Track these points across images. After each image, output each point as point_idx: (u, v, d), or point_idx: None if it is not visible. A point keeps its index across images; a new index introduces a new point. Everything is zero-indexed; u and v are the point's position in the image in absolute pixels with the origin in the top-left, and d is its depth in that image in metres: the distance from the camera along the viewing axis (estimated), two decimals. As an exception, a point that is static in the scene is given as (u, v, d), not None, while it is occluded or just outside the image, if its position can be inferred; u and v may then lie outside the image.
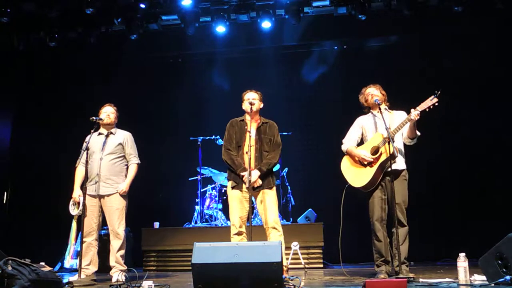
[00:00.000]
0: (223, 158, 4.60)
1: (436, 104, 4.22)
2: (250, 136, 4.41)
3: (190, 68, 8.36)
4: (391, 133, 4.27)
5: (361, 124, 4.66)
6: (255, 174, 4.38)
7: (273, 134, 4.59)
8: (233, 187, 4.50)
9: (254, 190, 4.43)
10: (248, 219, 4.30)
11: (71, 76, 8.20)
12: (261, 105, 4.69)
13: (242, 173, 4.36)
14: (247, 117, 4.60)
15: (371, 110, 4.65)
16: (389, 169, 4.21)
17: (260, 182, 4.42)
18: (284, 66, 8.13)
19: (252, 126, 4.57)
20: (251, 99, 4.55)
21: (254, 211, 5.10)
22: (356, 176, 4.47)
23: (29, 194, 7.95)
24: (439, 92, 4.21)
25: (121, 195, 4.88)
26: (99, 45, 7.48)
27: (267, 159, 4.47)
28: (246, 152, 4.36)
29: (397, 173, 4.37)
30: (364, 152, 4.43)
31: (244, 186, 4.37)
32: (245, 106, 4.58)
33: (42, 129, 8.11)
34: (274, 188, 4.54)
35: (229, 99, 7.72)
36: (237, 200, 4.42)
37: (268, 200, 4.45)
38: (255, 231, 4.73)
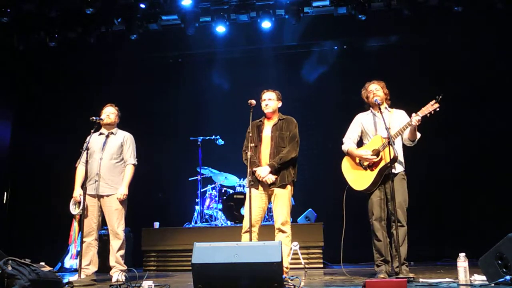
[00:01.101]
0: (243, 160, 4.61)
1: (437, 109, 4.20)
2: (251, 136, 4.40)
3: (190, 68, 8.37)
4: (392, 136, 4.25)
5: (361, 122, 4.65)
6: (265, 170, 4.37)
7: (289, 129, 4.56)
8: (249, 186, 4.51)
9: (269, 187, 4.43)
10: (250, 219, 4.28)
11: (71, 76, 8.21)
12: (279, 104, 4.68)
13: (254, 169, 4.37)
14: (265, 118, 4.61)
15: (371, 109, 4.64)
16: (388, 173, 4.20)
17: (272, 178, 4.39)
18: (284, 66, 8.12)
19: (267, 125, 4.60)
20: (267, 100, 4.58)
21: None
22: (357, 179, 4.46)
23: (29, 194, 7.96)
24: (440, 97, 4.18)
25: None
26: (99, 45, 7.48)
27: (281, 154, 4.45)
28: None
29: (395, 174, 4.36)
30: (366, 151, 4.42)
31: (260, 185, 4.38)
32: (262, 106, 4.58)
33: (42, 129, 8.11)
34: (289, 187, 4.48)
35: (229, 99, 7.76)
36: (252, 198, 4.38)
37: (278, 201, 4.44)
38: (263, 230, 4.74)
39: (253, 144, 4.41)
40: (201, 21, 7.32)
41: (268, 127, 4.60)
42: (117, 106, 5.19)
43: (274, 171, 4.40)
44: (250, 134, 4.41)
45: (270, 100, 4.59)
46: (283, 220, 4.42)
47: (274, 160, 4.43)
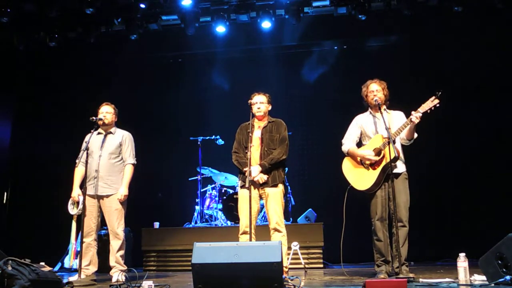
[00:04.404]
0: (232, 161, 4.65)
1: (438, 105, 4.18)
2: (251, 136, 4.41)
3: (190, 68, 8.36)
4: (392, 135, 4.25)
5: (360, 124, 4.63)
6: (256, 169, 4.39)
7: (279, 131, 4.61)
8: (241, 187, 4.52)
9: (259, 187, 4.44)
10: (250, 219, 4.29)
11: (71, 76, 8.21)
12: (269, 107, 4.71)
13: (244, 169, 4.38)
14: (255, 120, 4.64)
15: (370, 109, 4.62)
16: (391, 172, 4.19)
17: (264, 177, 4.42)
18: (284, 66, 8.12)
19: (257, 127, 4.63)
20: (259, 103, 4.59)
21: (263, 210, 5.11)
22: (359, 178, 4.44)
23: (29, 194, 7.96)
24: (440, 92, 4.17)
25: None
26: (99, 45, 7.48)
27: (271, 155, 4.48)
28: (246, 152, 4.38)
29: (397, 174, 4.36)
30: (368, 151, 4.41)
31: (252, 186, 4.37)
32: (254, 109, 4.59)
33: (42, 129, 8.12)
34: (280, 186, 4.52)
35: (229, 99, 7.77)
36: (244, 199, 4.37)
37: (272, 200, 4.45)
38: (260, 231, 4.74)
39: (252, 144, 4.42)
40: (201, 21, 7.32)
41: (257, 129, 4.63)
42: (116, 106, 5.16)
43: (265, 171, 4.44)
44: (250, 135, 4.41)
45: (262, 104, 4.62)
46: (278, 219, 4.43)
47: (265, 160, 4.46)
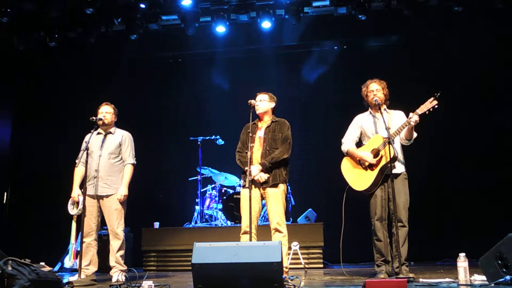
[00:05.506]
0: (236, 160, 4.66)
1: (436, 106, 4.18)
2: (251, 136, 4.42)
3: (190, 68, 8.37)
4: (391, 135, 4.23)
5: (360, 124, 4.63)
6: (256, 168, 4.39)
7: (282, 131, 4.61)
8: (243, 186, 4.52)
9: (260, 186, 4.45)
10: (250, 219, 4.29)
11: (71, 76, 8.21)
12: (272, 105, 4.71)
13: (245, 168, 4.38)
14: (259, 119, 4.66)
15: (370, 109, 4.63)
16: (389, 173, 4.19)
17: (264, 176, 4.41)
18: (284, 66, 8.12)
19: (261, 127, 4.64)
20: (258, 101, 4.61)
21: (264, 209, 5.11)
22: (357, 179, 4.45)
23: (29, 194, 7.96)
24: (439, 94, 4.16)
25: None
26: (99, 45, 7.48)
27: (273, 154, 4.48)
28: (246, 152, 4.38)
29: (397, 174, 4.36)
30: (366, 154, 4.41)
31: (253, 185, 4.37)
32: (255, 107, 4.61)
33: (42, 129, 8.12)
34: (281, 186, 4.50)
35: (229, 99, 7.77)
36: (247, 199, 4.34)
37: (272, 201, 4.45)
38: (261, 231, 4.74)
39: (252, 144, 4.42)
40: (201, 21, 7.32)
41: (261, 128, 4.64)
42: (116, 106, 5.16)
43: (266, 170, 4.43)
44: (251, 135, 4.43)
45: (261, 102, 4.64)
46: (279, 219, 4.42)
47: (266, 159, 4.46)
